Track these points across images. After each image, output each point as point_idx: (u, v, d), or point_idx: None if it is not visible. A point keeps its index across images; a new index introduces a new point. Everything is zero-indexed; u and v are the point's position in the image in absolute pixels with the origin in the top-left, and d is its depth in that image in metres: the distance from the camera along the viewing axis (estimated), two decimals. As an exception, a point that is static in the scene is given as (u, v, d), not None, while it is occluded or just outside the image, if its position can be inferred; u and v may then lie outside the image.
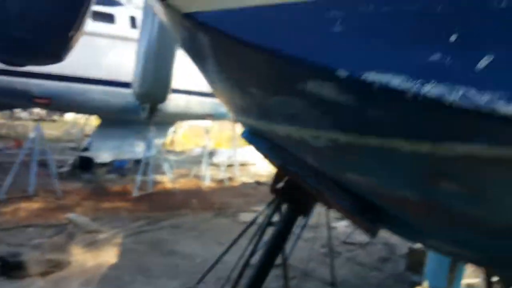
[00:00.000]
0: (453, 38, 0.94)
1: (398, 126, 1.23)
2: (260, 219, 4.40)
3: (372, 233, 2.18)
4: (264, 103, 1.96)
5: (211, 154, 14.00)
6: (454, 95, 0.89)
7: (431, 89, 0.92)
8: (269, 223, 3.84)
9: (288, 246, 4.44)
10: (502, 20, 0.91)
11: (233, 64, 1.82)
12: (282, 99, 1.72)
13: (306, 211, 2.82)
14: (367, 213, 2.13)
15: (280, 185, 2.73)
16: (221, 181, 12.10)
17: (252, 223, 4.60)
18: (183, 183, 11.24)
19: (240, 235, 4.43)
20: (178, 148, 18.94)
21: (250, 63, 1.61)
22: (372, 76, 1.02)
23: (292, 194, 2.72)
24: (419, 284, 5.03)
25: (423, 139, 1.18)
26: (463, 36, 0.94)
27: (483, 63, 0.88)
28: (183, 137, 20.55)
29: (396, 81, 0.98)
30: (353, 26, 1.14)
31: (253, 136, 2.52)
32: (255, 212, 7.85)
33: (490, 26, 0.93)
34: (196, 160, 13.91)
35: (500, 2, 0.92)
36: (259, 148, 2.47)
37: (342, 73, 1.08)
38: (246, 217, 7.60)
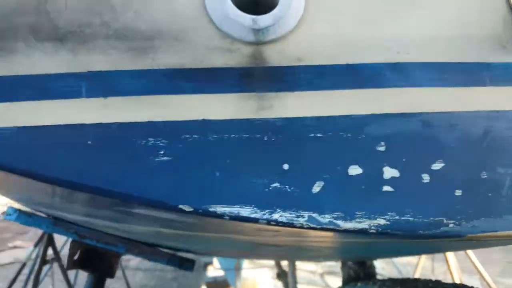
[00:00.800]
0: (285, 167, 1.07)
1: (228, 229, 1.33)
2: (34, 255, 3.77)
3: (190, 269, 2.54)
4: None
5: None
6: (302, 219, 1.06)
7: (279, 217, 1.05)
8: (44, 262, 3.38)
9: (71, 277, 4.01)
10: (326, 149, 1.08)
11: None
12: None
13: (111, 272, 2.59)
14: (185, 262, 2.47)
15: (77, 256, 2.42)
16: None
17: (24, 264, 3.92)
18: None
19: (14, 280, 3.72)
20: None
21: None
22: (220, 209, 1.05)
23: (94, 262, 2.47)
24: (211, 263, 5.50)
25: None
26: (294, 165, 1.07)
27: (316, 188, 1.06)
28: None
29: (246, 212, 1.05)
30: (181, 155, 1.08)
31: (26, 216, 2.12)
32: (17, 248, 6.65)
33: (316, 155, 1.08)
34: None
35: (319, 133, 1.09)
36: (38, 227, 2.19)
37: (187, 208, 1.06)
38: (4, 257, 6.35)
